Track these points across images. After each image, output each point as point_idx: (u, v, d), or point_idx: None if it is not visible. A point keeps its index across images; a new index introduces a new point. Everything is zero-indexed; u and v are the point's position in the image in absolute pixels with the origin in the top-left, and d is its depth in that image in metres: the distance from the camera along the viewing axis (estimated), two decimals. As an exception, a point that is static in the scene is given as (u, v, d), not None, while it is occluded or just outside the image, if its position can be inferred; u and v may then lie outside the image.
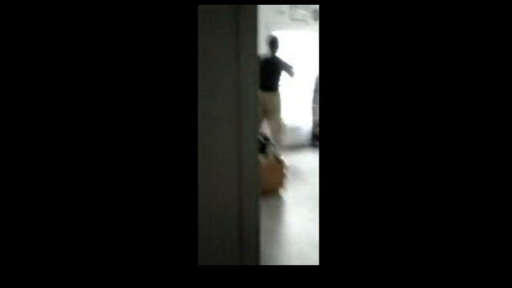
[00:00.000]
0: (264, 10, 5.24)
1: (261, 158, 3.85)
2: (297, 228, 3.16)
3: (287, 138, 5.62)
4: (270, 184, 3.82)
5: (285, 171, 4.01)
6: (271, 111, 4.42)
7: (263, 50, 4.35)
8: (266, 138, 4.02)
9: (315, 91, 5.90)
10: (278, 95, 4.47)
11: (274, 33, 5.13)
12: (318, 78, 5.82)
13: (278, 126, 4.50)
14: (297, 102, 5.99)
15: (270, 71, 4.39)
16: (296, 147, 5.88)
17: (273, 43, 4.41)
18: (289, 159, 5.15)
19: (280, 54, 4.48)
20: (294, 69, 4.53)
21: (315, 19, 5.69)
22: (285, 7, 5.37)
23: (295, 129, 5.93)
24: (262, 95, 4.40)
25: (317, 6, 5.57)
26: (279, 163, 3.85)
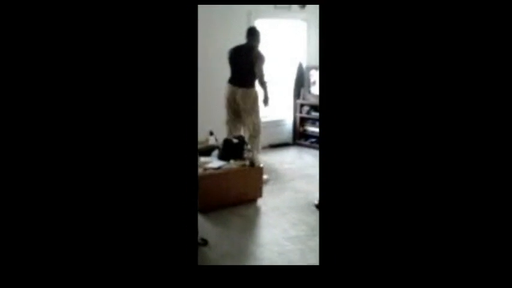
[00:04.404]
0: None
1: (236, 164, 3.47)
2: (270, 251, 2.74)
3: (267, 135, 5.29)
4: (245, 193, 3.46)
5: (264, 177, 3.65)
6: (244, 110, 3.94)
7: (242, 41, 3.96)
8: (242, 141, 3.63)
9: (296, 82, 5.53)
10: (252, 92, 3.91)
11: (257, 22, 4.77)
12: (301, 67, 5.46)
13: (254, 129, 4.01)
14: (279, 96, 5.62)
15: (242, 62, 3.86)
16: (277, 145, 5.53)
17: (250, 32, 3.93)
18: (269, 158, 4.83)
19: (261, 47, 3.99)
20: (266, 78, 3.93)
21: (302, 6, 5.28)
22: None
23: (276, 126, 5.57)
24: (232, 90, 3.96)
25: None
26: (256, 169, 3.49)
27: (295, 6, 5.26)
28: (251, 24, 4.61)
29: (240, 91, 3.89)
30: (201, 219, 3.13)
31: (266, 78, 3.94)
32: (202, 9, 4.40)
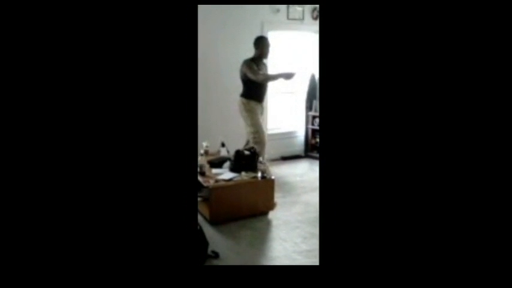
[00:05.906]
0: (258, 8, 4.83)
1: (247, 176, 3.44)
2: (281, 265, 2.70)
3: (279, 147, 5.26)
4: (256, 205, 3.42)
5: (274, 191, 3.61)
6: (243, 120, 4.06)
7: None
8: (254, 153, 3.61)
9: (308, 94, 5.51)
10: (244, 102, 3.98)
11: (270, 34, 4.78)
12: (313, 79, 5.44)
13: (252, 140, 4.02)
14: (291, 108, 5.60)
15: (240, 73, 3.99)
16: (289, 157, 5.49)
17: (254, 42, 3.99)
18: (280, 170, 4.79)
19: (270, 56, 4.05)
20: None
21: (315, 18, 5.29)
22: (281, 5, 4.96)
23: (288, 138, 5.54)
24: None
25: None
26: (268, 181, 3.45)
27: (307, 18, 5.26)
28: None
29: (238, 100, 4.02)
30: (211, 231, 3.10)
31: (265, 76, 3.95)
32: (215, 22, 4.46)
